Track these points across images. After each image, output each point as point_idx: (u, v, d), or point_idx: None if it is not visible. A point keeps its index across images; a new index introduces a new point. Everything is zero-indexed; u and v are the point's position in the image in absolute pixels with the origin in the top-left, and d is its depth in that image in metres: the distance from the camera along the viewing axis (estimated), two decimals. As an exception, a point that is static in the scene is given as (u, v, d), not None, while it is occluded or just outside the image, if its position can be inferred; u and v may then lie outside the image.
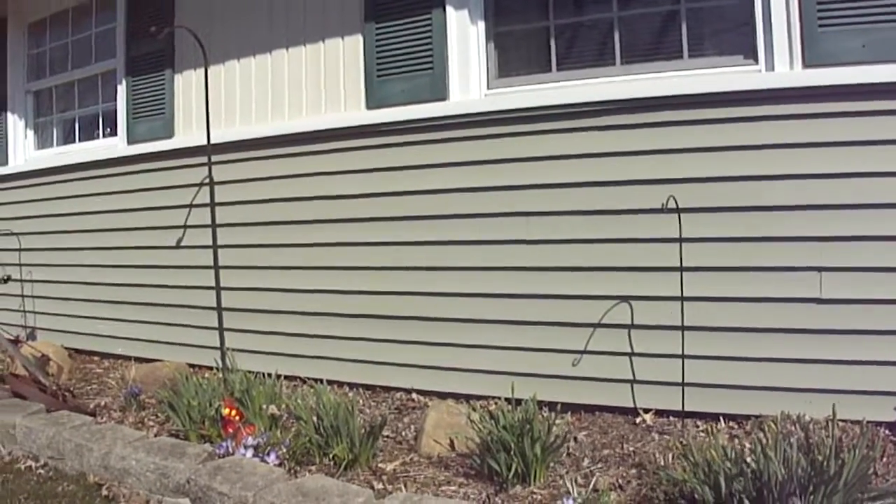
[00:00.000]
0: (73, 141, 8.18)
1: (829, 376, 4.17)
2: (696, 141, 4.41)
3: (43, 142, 8.60)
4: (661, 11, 4.88)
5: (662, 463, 3.91)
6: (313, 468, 4.15)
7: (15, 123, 8.52)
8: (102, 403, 5.81)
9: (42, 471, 4.78)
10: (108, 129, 7.68)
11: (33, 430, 5.01)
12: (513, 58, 5.30)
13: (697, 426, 4.41)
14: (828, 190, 4.15)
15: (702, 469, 3.27)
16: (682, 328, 4.35)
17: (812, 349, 4.22)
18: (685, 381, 4.37)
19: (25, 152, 8.55)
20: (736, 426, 4.32)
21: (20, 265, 8.12)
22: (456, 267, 5.16)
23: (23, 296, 8.16)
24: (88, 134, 8.03)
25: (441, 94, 5.18)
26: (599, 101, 4.64)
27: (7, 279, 8.14)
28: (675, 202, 4.22)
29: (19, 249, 8.10)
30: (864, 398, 4.07)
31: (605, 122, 4.64)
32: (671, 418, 4.54)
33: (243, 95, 6.21)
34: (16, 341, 7.10)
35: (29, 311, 8.14)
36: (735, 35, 4.58)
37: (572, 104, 4.72)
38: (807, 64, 4.23)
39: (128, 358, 6.96)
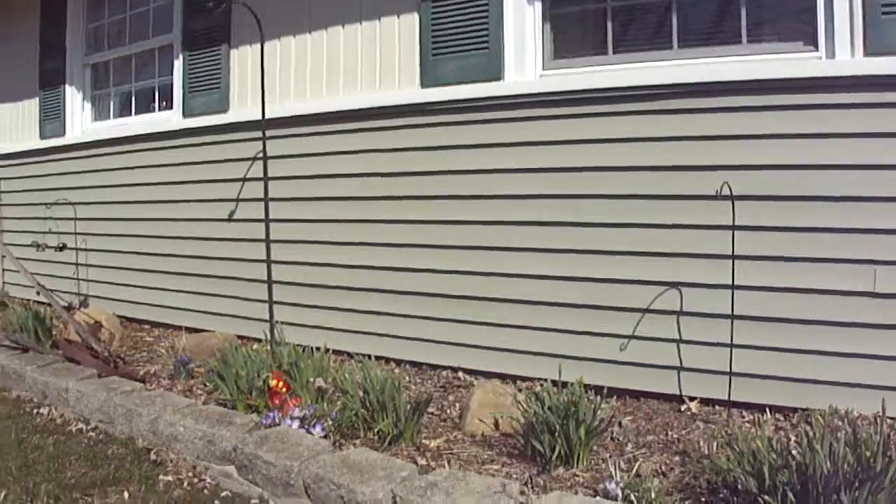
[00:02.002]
0: (130, 114, 8.28)
1: (880, 372, 4.13)
2: (753, 128, 4.36)
3: (100, 114, 8.71)
4: (720, -5, 4.83)
5: (706, 451, 3.88)
6: (358, 442, 4.18)
7: (73, 96, 8.64)
8: (152, 371, 5.91)
9: (92, 434, 4.87)
10: (164, 103, 7.75)
11: (85, 395, 5.10)
12: (568, 39, 5.27)
13: (743, 416, 4.38)
14: (885, 182, 4.09)
15: (746, 459, 3.24)
16: (732, 317, 4.32)
17: (863, 344, 4.17)
18: (732, 370, 4.35)
19: (83, 124, 8.67)
20: (782, 418, 4.29)
21: (75, 234, 8.25)
22: (505, 247, 5.16)
23: (77, 264, 8.29)
24: (144, 107, 8.11)
25: (496, 74, 5.16)
26: (655, 85, 4.60)
27: (63, 247, 8.28)
28: (730, 189, 4.18)
29: (75, 219, 8.22)
30: (914, 395, 4.02)
31: (660, 107, 4.60)
32: (717, 407, 4.52)
33: (298, 71, 6.24)
34: (69, 308, 7.23)
35: (83, 279, 8.27)
36: (795, 21, 4.51)
37: (628, 87, 4.68)
38: (868, 52, 4.17)
39: (178, 327, 7.06)
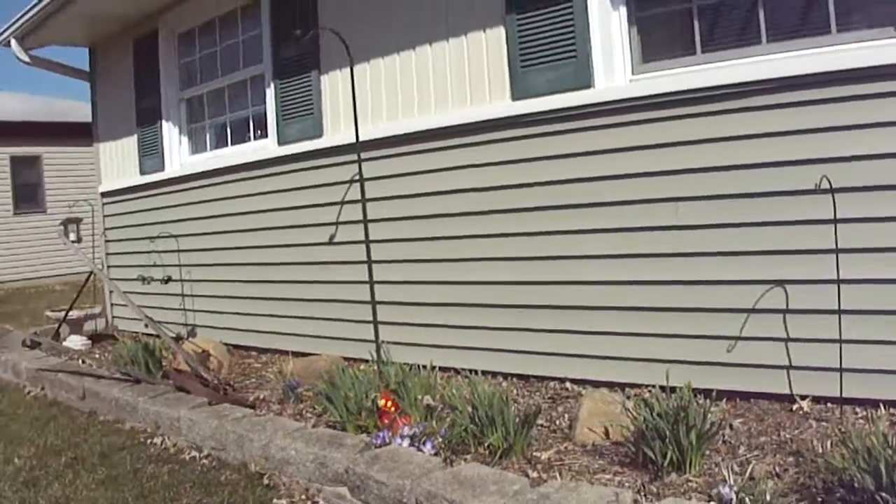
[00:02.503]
0: (225, 144, 8.48)
1: None
2: (847, 118, 4.25)
3: (196, 146, 8.94)
4: (807, -15, 4.74)
5: (820, 450, 3.80)
6: (468, 457, 4.18)
7: (170, 130, 8.88)
8: (261, 396, 6.00)
9: (205, 461, 4.96)
10: (259, 132, 7.91)
11: (196, 423, 5.21)
12: (656, 42, 5.23)
13: (856, 413, 4.27)
14: None
15: (861, 456, 3.17)
16: (839, 312, 4.22)
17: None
18: (843, 366, 4.24)
19: (181, 157, 8.90)
20: (897, 413, 4.18)
21: (179, 266, 8.46)
22: (605, 255, 5.13)
23: (182, 295, 8.48)
24: (239, 137, 8.29)
25: (586, 82, 5.14)
26: (746, 82, 4.53)
27: (168, 279, 8.49)
28: (829, 182, 4.10)
29: (178, 251, 8.43)
30: None
31: (752, 104, 4.53)
32: (829, 405, 4.41)
33: (388, 92, 6.31)
34: (178, 338, 7.39)
35: (189, 310, 8.47)
36: (883, 6, 4.39)
37: (718, 86, 4.62)
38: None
39: (285, 353, 7.17)
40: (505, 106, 5.52)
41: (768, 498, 3.22)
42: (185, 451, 5.17)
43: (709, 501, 3.33)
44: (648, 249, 4.96)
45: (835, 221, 4.19)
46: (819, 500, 3.33)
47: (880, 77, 4.16)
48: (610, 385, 5.03)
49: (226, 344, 7.67)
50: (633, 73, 5.17)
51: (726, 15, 5.03)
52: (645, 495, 3.54)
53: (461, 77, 5.81)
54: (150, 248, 8.74)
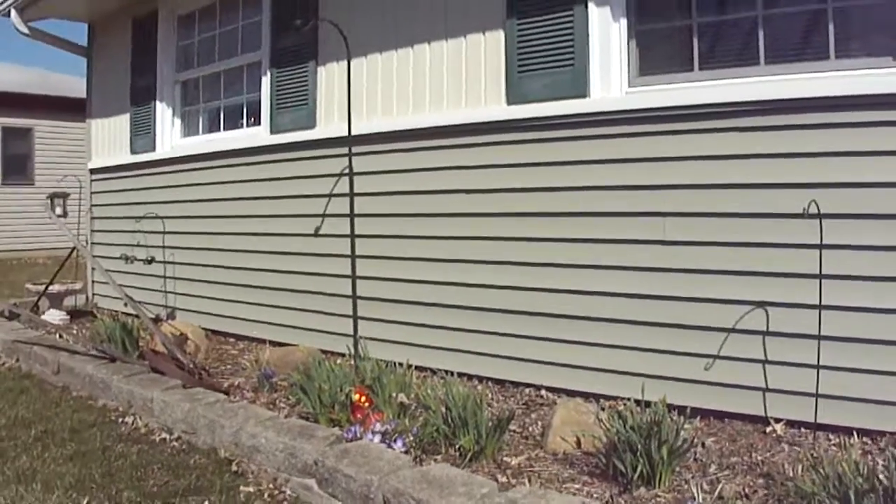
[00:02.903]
0: (218, 129, 8.47)
1: (974, 394, 4.01)
2: (841, 145, 4.27)
3: (189, 130, 8.91)
4: (806, 10, 4.72)
5: (791, 474, 3.80)
6: (439, 458, 4.18)
7: (163, 112, 8.85)
8: (236, 383, 5.99)
9: (175, 443, 4.96)
10: (252, 119, 7.89)
11: (169, 405, 5.20)
12: (654, 56, 5.23)
13: (829, 439, 4.28)
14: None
15: (832, 483, 3.18)
16: (819, 337, 4.23)
17: (957, 366, 4.06)
18: (819, 392, 4.26)
19: (172, 139, 8.87)
20: (870, 441, 4.18)
21: (163, 247, 8.44)
22: (590, 265, 5.13)
23: (165, 277, 8.46)
24: (232, 123, 8.27)
25: (582, 91, 5.14)
26: (742, 102, 4.54)
27: (151, 260, 8.46)
28: (817, 207, 4.11)
29: (163, 232, 8.41)
30: None
31: (746, 124, 4.54)
32: (802, 430, 4.42)
33: (384, 88, 6.30)
34: (156, 320, 7.39)
35: (170, 292, 8.44)
36: (883, 36, 4.42)
37: (714, 104, 4.63)
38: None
39: (262, 341, 7.16)
40: (500, 110, 5.52)
41: (736, 518, 3.24)
42: (155, 432, 5.17)
43: (676, 517, 3.33)
44: (634, 262, 4.96)
45: (820, 247, 4.20)
46: (786, 523, 3.35)
47: (876, 106, 4.17)
48: (585, 395, 5.03)
49: (204, 329, 7.66)
50: (629, 86, 5.16)
51: (726, 34, 5.05)
52: (612, 507, 3.54)
53: (457, 78, 5.80)
54: (136, 227, 8.70)
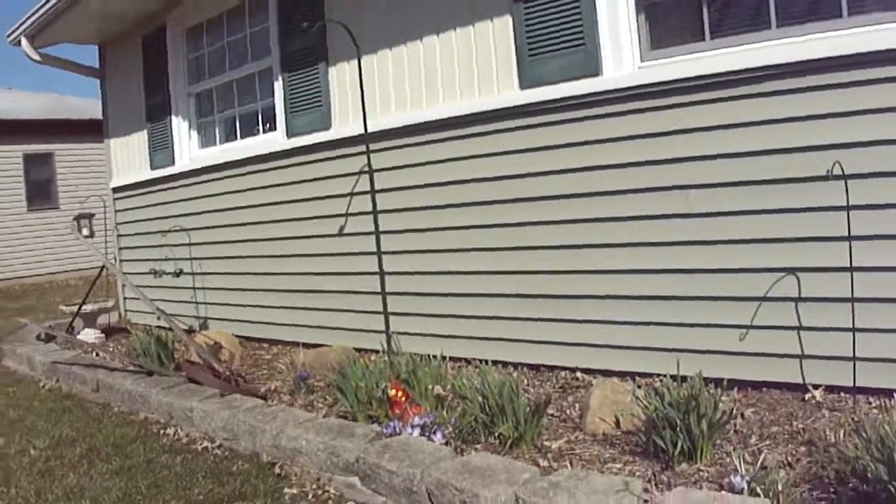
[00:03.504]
0: (235, 138, 8.49)
1: None
2: (860, 103, 4.21)
3: (206, 141, 8.96)
4: (817, -30, 4.70)
5: (833, 440, 3.78)
6: (479, 446, 4.19)
7: (179, 125, 8.90)
8: (272, 387, 6.03)
9: (217, 451, 4.99)
10: (268, 125, 7.92)
11: (209, 413, 5.23)
12: (664, 28, 5.19)
13: (870, 402, 4.24)
14: None
15: (875, 446, 3.14)
16: (853, 300, 4.20)
17: None
18: (856, 355, 4.22)
19: (190, 152, 8.91)
20: (911, 401, 4.16)
21: (191, 259, 8.49)
22: (616, 244, 5.12)
23: (194, 288, 8.51)
24: (248, 130, 8.30)
25: (594, 70, 5.12)
26: (756, 67, 4.50)
27: (180, 272, 8.51)
28: (842, 168, 4.08)
29: (189, 244, 8.46)
30: None
31: (762, 89, 4.50)
32: (842, 394, 4.38)
33: (396, 83, 6.31)
34: (189, 331, 7.43)
35: (200, 303, 8.50)
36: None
37: (728, 72, 4.59)
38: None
39: (295, 344, 7.19)
40: (513, 95, 5.51)
41: (780, 488, 3.21)
42: (197, 441, 5.20)
43: (720, 490, 3.31)
44: (659, 238, 4.94)
45: (847, 208, 4.16)
46: (831, 490, 3.32)
47: (891, 61, 4.12)
48: (621, 374, 5.02)
49: (237, 336, 7.69)
50: (641, 61, 5.13)
51: (735, 0, 5.00)
52: (655, 484, 3.53)
53: (469, 67, 5.79)
54: (162, 241, 8.76)
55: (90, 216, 9.33)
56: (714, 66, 4.66)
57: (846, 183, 4.12)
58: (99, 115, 10.78)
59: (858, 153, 4.19)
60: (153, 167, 9.23)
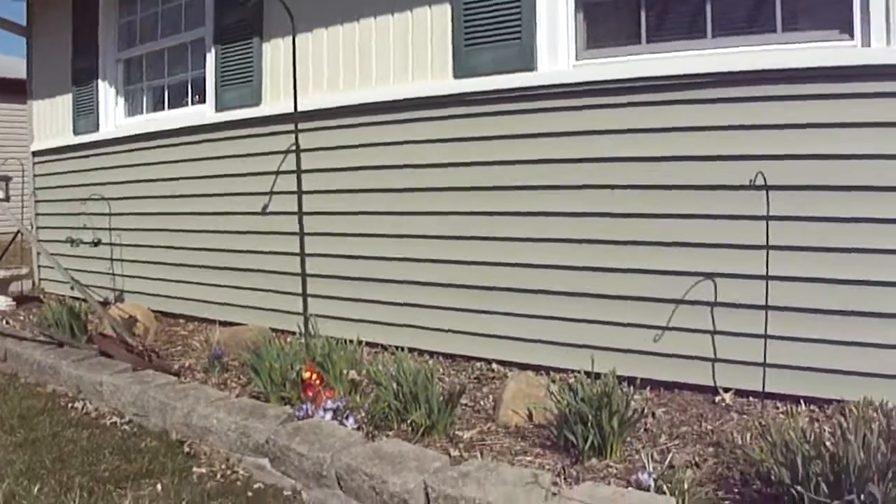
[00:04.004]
0: (162, 108, 8.33)
1: (916, 365, 4.09)
2: (786, 117, 4.31)
3: (133, 109, 8.77)
4: (753, -16, 4.77)
5: (740, 442, 3.86)
6: (391, 433, 4.18)
7: (106, 91, 8.70)
8: (186, 364, 5.95)
9: (126, 427, 4.91)
10: (197, 97, 7.79)
11: (119, 388, 5.14)
12: (601, 29, 5.23)
13: (777, 408, 4.35)
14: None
15: (779, 450, 3.22)
16: (766, 308, 4.29)
17: (899, 335, 4.13)
18: (767, 361, 4.32)
19: (115, 119, 8.72)
20: (816, 409, 4.25)
21: (110, 229, 8.32)
22: (540, 238, 5.14)
23: (111, 259, 8.35)
24: (177, 101, 8.16)
25: (529, 65, 5.13)
26: (689, 75, 4.56)
27: (97, 242, 8.34)
28: (764, 178, 4.15)
29: (109, 214, 8.29)
30: (952, 390, 3.98)
31: (693, 96, 4.57)
32: (751, 399, 4.49)
33: (330, 63, 6.24)
34: (104, 303, 7.29)
35: (117, 275, 8.34)
36: (830, 10, 4.44)
37: (661, 77, 4.65)
38: (905, 41, 4.11)
39: (212, 322, 7.11)
40: (447, 83, 5.50)
41: (686, 486, 3.26)
42: (106, 416, 5.10)
43: (627, 487, 3.35)
44: (581, 235, 4.98)
45: (767, 218, 4.25)
46: (736, 490, 3.39)
47: (823, 78, 4.22)
48: (536, 368, 5.07)
49: (153, 311, 7.57)
50: (576, 59, 5.17)
51: (673, 6, 5.04)
52: (564, 478, 3.55)
53: (404, 52, 5.76)
54: (81, 209, 8.57)
55: (7, 179, 9.05)
56: (648, 70, 4.72)
57: (767, 193, 4.20)
58: (22, 75, 10.49)
59: (781, 165, 4.29)
60: (76, 132, 9.01)
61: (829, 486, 2.96)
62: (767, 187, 4.18)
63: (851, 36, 4.32)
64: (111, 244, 8.36)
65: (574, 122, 4.96)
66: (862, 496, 2.87)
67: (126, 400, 5.06)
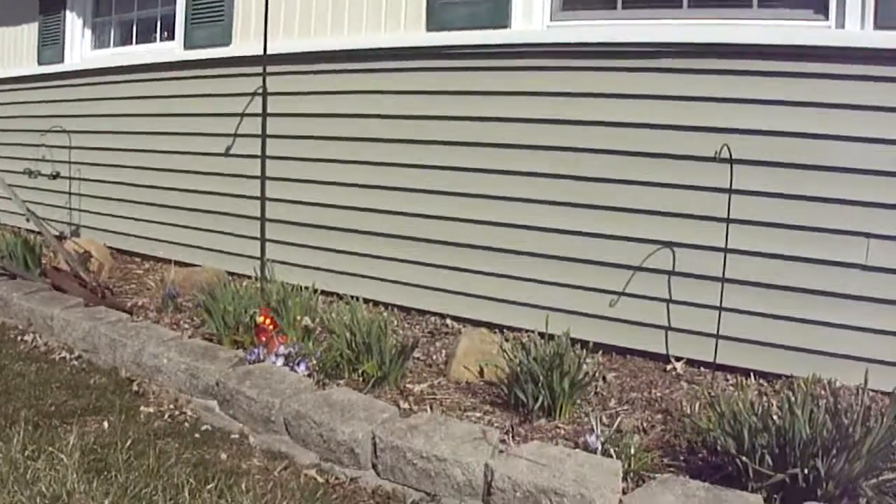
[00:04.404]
0: (130, 43, 8.19)
1: (865, 344, 4.13)
2: (757, 92, 4.32)
3: (100, 42, 8.61)
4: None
5: (689, 411, 3.90)
6: (342, 382, 4.19)
7: (73, 22, 8.53)
8: (140, 303, 5.90)
9: (76, 362, 4.87)
10: (166, 34, 7.66)
11: (70, 323, 5.10)
12: (579, -9, 5.20)
13: (727, 379, 4.40)
14: (883, 156, 4.06)
15: (727, 421, 3.25)
16: (723, 280, 4.32)
17: (851, 315, 4.17)
18: (720, 333, 4.35)
19: (82, 51, 8.57)
20: (766, 383, 4.30)
21: (69, 163, 8.20)
22: (503, 196, 5.13)
23: (70, 193, 8.24)
24: (146, 37, 8.01)
25: (503, 22, 5.09)
26: (662, 43, 4.55)
27: (56, 175, 8.23)
28: (729, 152, 4.15)
29: (69, 147, 8.16)
30: (897, 370, 4.03)
31: (666, 65, 4.56)
32: (702, 369, 4.53)
33: (303, 8, 6.15)
34: (60, 237, 7.20)
35: (75, 209, 8.23)
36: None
37: (634, 43, 4.63)
38: (878, 25, 4.11)
39: (168, 261, 7.02)
40: (419, 35, 5.44)
41: (633, 451, 3.29)
42: (55, 351, 5.07)
43: (574, 448, 3.36)
44: (545, 196, 4.97)
45: (730, 191, 4.27)
46: (682, 458, 3.44)
47: (795, 56, 4.23)
48: (490, 326, 5.07)
49: (110, 247, 7.52)
50: (551, 19, 5.12)
51: (651, -26, 5.02)
52: (513, 436, 3.58)
53: (378, 2, 5.68)
54: (41, 141, 8.43)
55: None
56: (621, 36, 4.70)
57: (732, 167, 4.21)
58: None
59: (748, 140, 4.29)
60: (41, 62, 8.83)
61: (774, 459, 3.01)
62: (732, 161, 4.19)
63: (826, 17, 4.31)
64: (70, 178, 8.23)
65: (545, 83, 4.93)
66: (806, 470, 2.91)
67: (77, 335, 5.03)
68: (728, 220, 4.29)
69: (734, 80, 4.37)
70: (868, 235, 4.12)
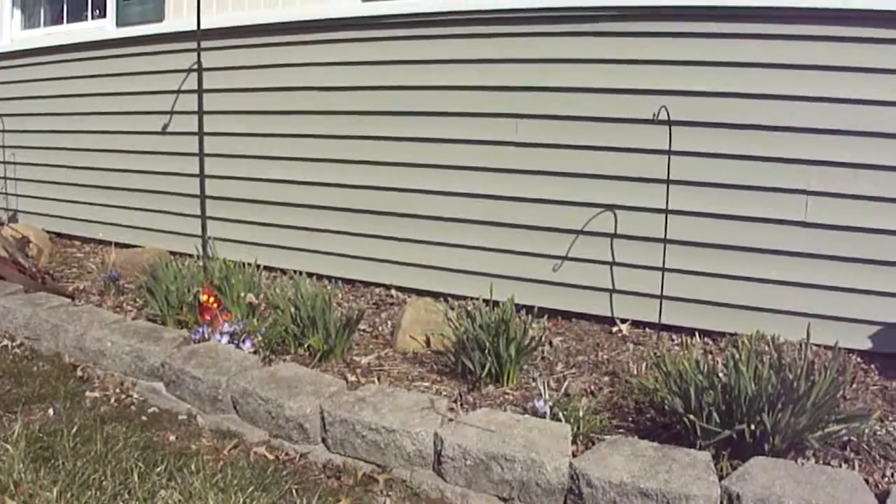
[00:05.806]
0: (62, 22, 8.02)
1: (807, 300, 4.21)
2: (692, 54, 4.34)
3: (30, 22, 8.42)
4: None
5: (635, 372, 3.94)
6: (288, 357, 4.16)
7: (1, 2, 8.34)
8: (81, 287, 5.81)
9: (18, 350, 4.79)
10: (98, 11, 7.51)
11: (10, 310, 5.01)
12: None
13: (673, 340, 4.46)
14: (819, 113, 4.11)
15: (673, 380, 3.28)
16: (665, 241, 4.36)
17: (792, 272, 4.25)
18: (664, 293, 4.41)
19: (11, 32, 8.37)
20: (710, 342, 4.36)
21: (3, 147, 8.05)
22: (443, 165, 5.13)
23: (5, 178, 8.10)
24: (77, 15, 7.85)
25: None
26: (597, 7, 4.54)
27: (-11, 160, 8.08)
28: (668, 113, 4.18)
29: (3, 131, 8.01)
30: (839, 324, 4.10)
31: (601, 28, 4.56)
32: (647, 330, 4.59)
33: (236, -19, 6.08)
34: (-4, 223, 7.08)
35: (11, 194, 8.09)
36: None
37: (569, 7, 4.61)
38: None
39: (109, 243, 6.93)
40: (355, 5, 5.40)
41: (581, 414, 3.31)
42: (-4, 339, 4.98)
43: (523, 413, 3.38)
44: (485, 163, 4.97)
45: (669, 153, 4.30)
46: (630, 419, 3.47)
47: (728, 17, 4.26)
48: (435, 295, 5.07)
49: (49, 232, 7.40)
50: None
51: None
52: (461, 404, 3.58)
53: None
54: (-27, 125, 8.28)
55: None
56: (552, 1, 4.68)
57: (670, 128, 4.24)
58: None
59: (684, 101, 4.32)
60: (-31, 45, 8.66)
61: (721, 416, 3.04)
62: (671, 122, 4.21)
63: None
64: (4, 162, 8.09)
65: (483, 49, 4.92)
66: (752, 425, 2.95)
67: (18, 322, 4.94)
68: (668, 182, 4.33)
69: (668, 43, 4.42)
70: (806, 193, 4.18)
